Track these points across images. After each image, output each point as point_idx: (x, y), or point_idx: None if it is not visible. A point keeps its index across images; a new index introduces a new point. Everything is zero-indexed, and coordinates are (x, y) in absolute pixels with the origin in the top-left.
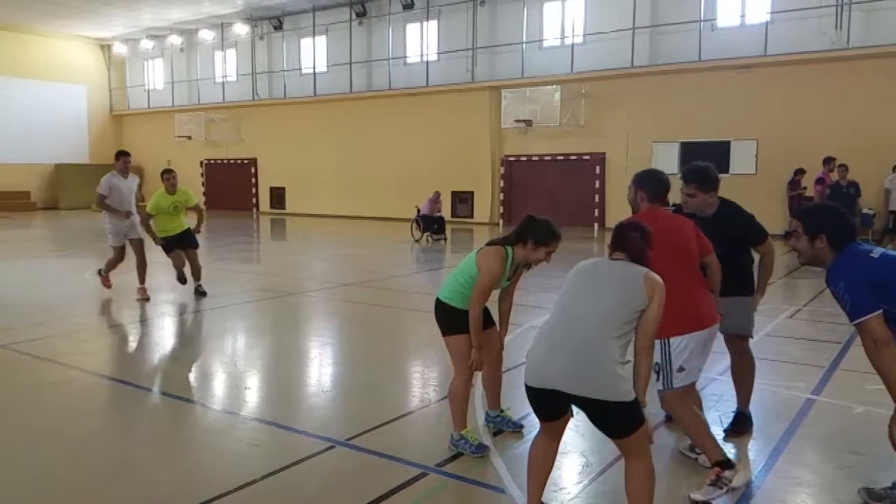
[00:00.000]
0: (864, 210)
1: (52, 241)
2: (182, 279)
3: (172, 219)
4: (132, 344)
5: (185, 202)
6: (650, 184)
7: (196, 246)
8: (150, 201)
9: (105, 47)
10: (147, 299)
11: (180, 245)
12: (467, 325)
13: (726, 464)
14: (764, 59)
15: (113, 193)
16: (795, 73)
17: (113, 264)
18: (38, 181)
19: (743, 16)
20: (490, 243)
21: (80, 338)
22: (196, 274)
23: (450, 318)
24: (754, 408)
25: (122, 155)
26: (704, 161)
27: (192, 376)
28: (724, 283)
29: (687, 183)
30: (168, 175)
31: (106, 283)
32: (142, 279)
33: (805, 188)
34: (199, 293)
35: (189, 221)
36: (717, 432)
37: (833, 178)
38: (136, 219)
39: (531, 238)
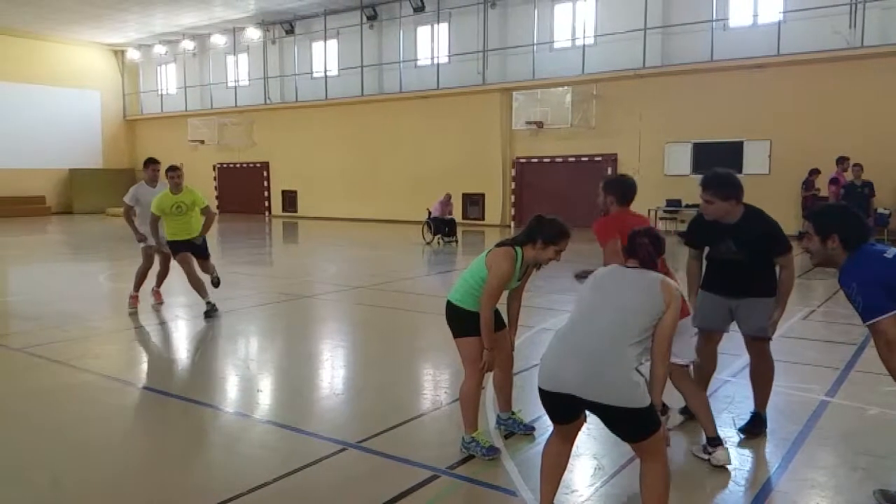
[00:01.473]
0: (879, 210)
1: (67, 246)
2: (215, 282)
3: (176, 221)
4: (146, 347)
5: (192, 203)
6: (619, 189)
7: (206, 256)
8: (154, 201)
9: (118, 53)
10: (161, 303)
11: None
12: (478, 327)
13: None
14: (777, 58)
15: (139, 205)
16: (809, 72)
17: (142, 273)
18: (52, 186)
19: (755, 15)
20: (500, 244)
21: (94, 341)
22: (210, 271)
23: (461, 320)
24: (768, 409)
25: (150, 163)
26: (718, 162)
27: (205, 379)
28: (746, 285)
29: (705, 189)
30: (172, 173)
31: (157, 298)
32: (158, 284)
33: (819, 189)
34: (215, 282)
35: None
36: (731, 434)
37: (847, 178)
38: (161, 234)
39: (540, 237)
